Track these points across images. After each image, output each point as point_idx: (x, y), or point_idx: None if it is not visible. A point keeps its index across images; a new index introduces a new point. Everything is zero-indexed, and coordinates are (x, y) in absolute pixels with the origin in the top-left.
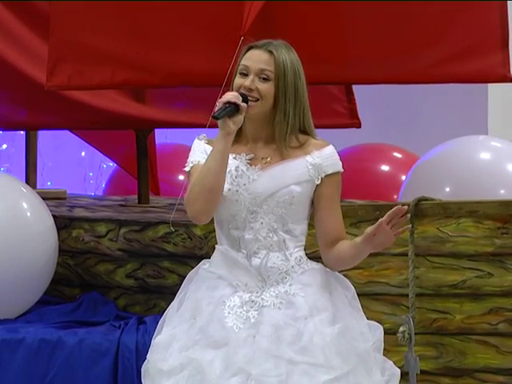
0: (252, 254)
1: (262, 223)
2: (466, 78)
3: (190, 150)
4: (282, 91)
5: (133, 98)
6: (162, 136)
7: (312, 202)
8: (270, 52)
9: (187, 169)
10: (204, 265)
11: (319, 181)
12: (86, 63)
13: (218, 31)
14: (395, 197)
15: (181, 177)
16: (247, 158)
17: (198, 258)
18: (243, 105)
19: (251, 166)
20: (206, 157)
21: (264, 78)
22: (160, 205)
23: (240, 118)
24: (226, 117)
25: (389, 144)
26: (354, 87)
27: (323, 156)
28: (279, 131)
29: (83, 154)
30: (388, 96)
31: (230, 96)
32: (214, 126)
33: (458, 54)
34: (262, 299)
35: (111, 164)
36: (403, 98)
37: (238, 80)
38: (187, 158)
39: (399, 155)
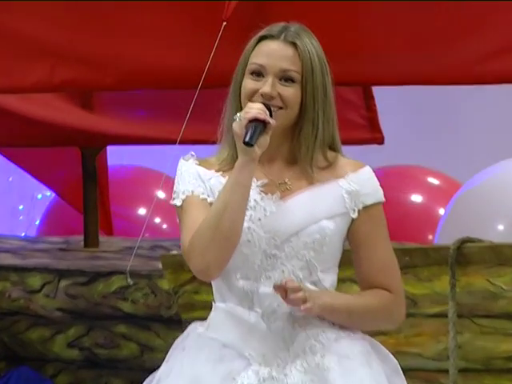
0: (270, 314)
1: (283, 271)
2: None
3: (157, 175)
4: (310, 95)
5: (78, 104)
6: (116, 156)
7: (343, 243)
8: (293, 44)
9: (177, 202)
10: (197, 329)
11: (355, 214)
12: (16, 58)
13: (193, 16)
14: (430, 237)
15: (141, 211)
16: (261, 183)
17: (165, 321)
18: (273, 122)
19: (267, 194)
20: (202, 184)
21: (287, 80)
22: (114, 249)
23: (266, 139)
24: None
25: (421, 166)
26: (375, 91)
27: (361, 181)
28: (306, 147)
29: (11, 179)
30: (418, 102)
31: (257, 111)
32: (187, 141)
33: (503, 48)
34: (286, 375)
35: (48, 193)
36: (439, 105)
37: (250, 83)
38: (151, 185)
39: (436, 181)
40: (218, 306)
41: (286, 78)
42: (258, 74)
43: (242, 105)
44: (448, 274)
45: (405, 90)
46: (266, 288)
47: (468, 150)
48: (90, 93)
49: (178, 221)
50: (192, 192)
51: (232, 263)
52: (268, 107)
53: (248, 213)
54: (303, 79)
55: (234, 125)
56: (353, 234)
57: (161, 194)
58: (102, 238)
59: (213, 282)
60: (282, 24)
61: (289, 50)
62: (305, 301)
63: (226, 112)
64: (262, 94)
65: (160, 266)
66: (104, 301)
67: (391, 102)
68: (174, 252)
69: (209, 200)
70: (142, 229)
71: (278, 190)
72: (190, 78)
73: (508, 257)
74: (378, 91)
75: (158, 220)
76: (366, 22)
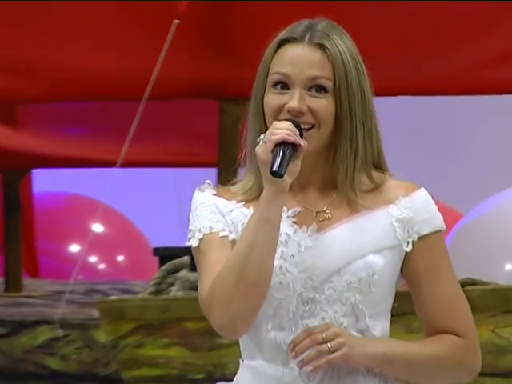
0: (309, 372)
1: (323, 319)
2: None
3: (94, 204)
4: (345, 106)
5: None
6: (44, 181)
7: (397, 283)
8: (322, 46)
9: (193, 243)
10: None
11: (409, 246)
12: None
13: (137, 14)
14: None
15: (74, 247)
16: (293, 213)
17: (102, 381)
18: (305, 144)
19: (301, 226)
20: (221, 218)
21: (318, 90)
22: (40, 293)
23: (297, 165)
24: None
25: None
26: None
27: (414, 206)
28: (344, 170)
29: None
30: (415, 119)
31: (285, 131)
32: (131, 164)
33: (508, 53)
34: None
35: None
36: (438, 129)
37: (274, 98)
38: (86, 216)
39: None
40: (246, 365)
41: (315, 88)
42: (283, 85)
43: (267, 124)
44: None
45: (402, 110)
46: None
47: (470, 176)
48: (14, 105)
49: (196, 265)
50: (210, 229)
51: (262, 311)
52: (298, 126)
53: (279, 249)
54: (336, 87)
55: (258, 149)
56: (409, 271)
57: (97, 228)
58: (26, 281)
59: (240, 337)
60: (306, 22)
61: (316, 54)
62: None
63: (249, 134)
64: (288, 110)
65: (96, 314)
66: (28, 356)
67: (384, 123)
68: (113, 297)
69: (231, 237)
70: (75, 269)
71: (315, 220)
72: (134, 88)
73: None
74: None
75: (93, 259)
76: (348, 24)
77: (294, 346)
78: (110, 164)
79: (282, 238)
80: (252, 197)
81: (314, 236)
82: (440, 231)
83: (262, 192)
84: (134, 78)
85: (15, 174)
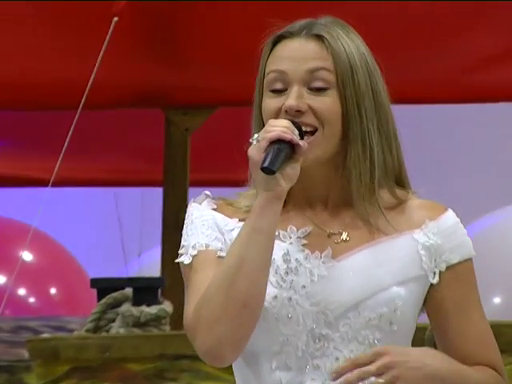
0: None
1: (337, 359)
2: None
3: (22, 229)
4: (352, 105)
5: None
6: None
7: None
8: (319, 37)
9: (185, 259)
10: None
11: (436, 278)
12: None
13: (69, 11)
14: None
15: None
16: (303, 233)
17: None
18: (304, 144)
19: (313, 251)
20: (220, 236)
21: (319, 88)
22: None
23: (296, 169)
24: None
25: None
26: None
27: (443, 231)
28: (358, 176)
29: None
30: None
31: (281, 128)
32: (63, 183)
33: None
34: None
35: None
36: (414, 138)
37: (270, 102)
38: (13, 242)
39: None
40: None
41: (316, 82)
42: (279, 87)
43: None
44: None
45: None
46: (314, 382)
47: (453, 196)
48: None
49: (185, 284)
50: (206, 246)
51: (265, 347)
52: (298, 127)
53: (288, 278)
54: (339, 82)
55: (251, 150)
56: (434, 304)
57: (27, 256)
58: None
59: (237, 374)
60: (308, 20)
61: (313, 45)
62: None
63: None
64: (286, 110)
65: (26, 354)
66: None
67: None
68: (45, 335)
69: None
70: (1, 304)
71: (329, 244)
72: (69, 95)
73: (509, 340)
74: None
75: (22, 291)
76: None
77: (337, 376)
78: (41, 183)
79: (292, 264)
80: None
81: (329, 263)
82: (470, 259)
83: None
84: (67, 83)
85: None
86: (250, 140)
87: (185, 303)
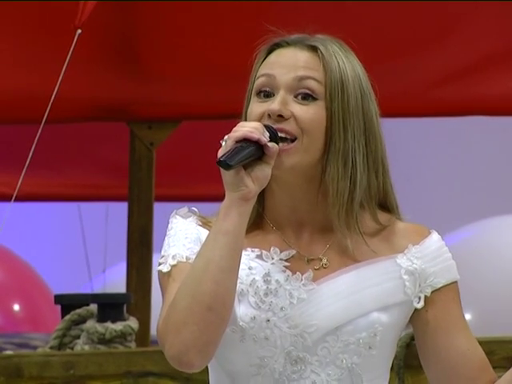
0: None
1: (314, 382)
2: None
3: None
4: (337, 119)
5: None
6: None
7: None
8: (314, 48)
9: (164, 268)
10: None
11: (421, 303)
12: None
13: (30, 22)
14: None
15: None
16: (286, 255)
17: None
18: (272, 145)
19: (294, 273)
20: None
21: (305, 96)
22: None
23: (265, 171)
24: (241, 166)
25: None
26: None
27: (427, 255)
28: (337, 201)
29: None
30: None
31: (248, 129)
32: (25, 198)
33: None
34: None
35: None
36: (393, 152)
37: (256, 106)
38: None
39: None
40: None
41: (303, 92)
42: (267, 90)
43: None
44: (394, 382)
45: None
46: None
47: (422, 211)
48: None
49: (162, 294)
50: (186, 259)
51: (243, 368)
52: (272, 131)
53: (267, 299)
54: (327, 94)
55: (220, 150)
56: (422, 324)
57: None
58: None
59: None
60: (303, 34)
61: (306, 54)
62: None
63: None
64: (269, 115)
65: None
66: None
67: None
68: (8, 352)
69: None
70: None
71: (310, 267)
72: (30, 110)
73: None
74: None
75: None
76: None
77: None
78: (4, 198)
79: (273, 285)
80: None
81: (310, 286)
82: (455, 282)
83: (250, 226)
84: (30, 97)
85: None
86: (221, 141)
87: (160, 312)
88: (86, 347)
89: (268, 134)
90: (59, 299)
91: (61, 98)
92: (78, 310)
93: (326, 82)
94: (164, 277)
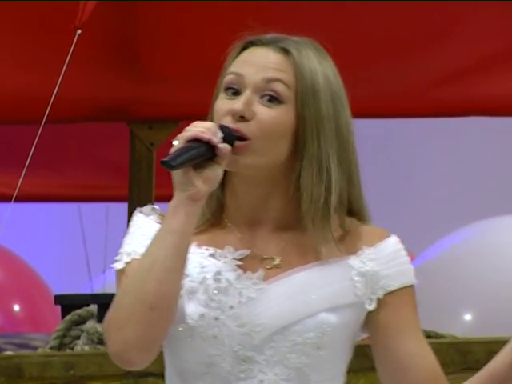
0: None
1: (261, 382)
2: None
3: None
4: (311, 127)
5: None
6: None
7: (355, 339)
8: (286, 51)
9: (119, 265)
10: None
11: (373, 305)
12: None
13: (30, 23)
14: None
15: None
16: (240, 255)
17: None
18: (223, 146)
19: (245, 272)
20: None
21: (271, 99)
22: None
23: (216, 171)
24: (189, 166)
25: None
26: None
27: (382, 257)
28: (311, 206)
29: None
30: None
31: (200, 129)
32: (25, 198)
33: (467, 68)
34: None
35: None
36: (376, 151)
37: (222, 103)
38: None
39: None
40: None
41: (269, 94)
42: (235, 88)
43: None
44: None
45: None
46: None
47: (422, 211)
48: None
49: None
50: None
51: (193, 366)
52: (229, 132)
53: (216, 297)
54: (298, 99)
55: (171, 150)
56: (374, 327)
57: None
58: None
59: None
60: (279, 35)
61: (277, 56)
62: None
63: None
64: (232, 114)
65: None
66: None
67: None
68: (8, 353)
69: None
70: None
71: (262, 267)
72: (29, 110)
73: (478, 358)
74: None
75: None
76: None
77: None
78: (4, 198)
79: (223, 284)
80: (196, 230)
81: (260, 285)
82: (410, 286)
83: (205, 226)
84: (30, 97)
85: None
86: (173, 141)
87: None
88: (86, 347)
89: (221, 134)
90: (59, 299)
91: (61, 98)
92: (79, 311)
93: (296, 87)
94: (118, 273)
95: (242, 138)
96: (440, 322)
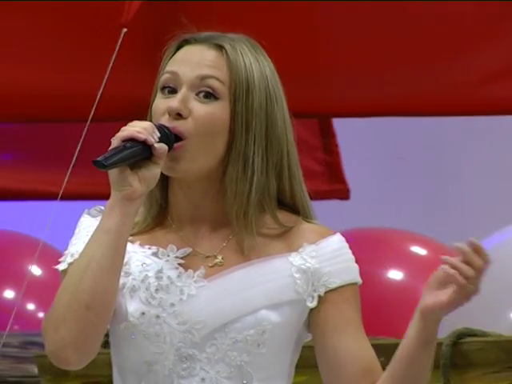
0: None
1: (203, 380)
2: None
3: (30, 242)
4: (240, 119)
5: None
6: None
7: (300, 339)
8: (220, 48)
9: (62, 266)
10: None
11: (314, 302)
12: None
13: (76, 21)
14: None
15: (8, 293)
16: (182, 253)
17: None
18: (159, 146)
19: (186, 270)
20: None
21: (207, 95)
22: None
23: (153, 171)
24: (125, 165)
25: (402, 230)
26: (337, 126)
27: (323, 254)
28: (233, 194)
29: None
30: (398, 144)
31: (136, 129)
32: (74, 196)
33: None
34: None
35: None
36: (425, 151)
37: (159, 102)
38: (22, 256)
39: (422, 251)
40: None
41: (205, 90)
42: (171, 87)
43: None
44: (439, 382)
45: (381, 127)
46: None
47: (466, 208)
48: None
49: None
50: None
51: (135, 365)
52: (166, 132)
53: (158, 295)
54: (231, 95)
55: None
56: (314, 324)
57: (36, 270)
58: None
59: None
60: (218, 32)
61: (211, 53)
62: None
63: None
64: (169, 112)
65: (35, 369)
66: None
67: (361, 144)
68: None
69: None
70: (10, 319)
71: (204, 265)
72: (75, 107)
73: None
74: (342, 128)
75: (30, 306)
76: (323, 28)
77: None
78: (50, 196)
79: (164, 282)
80: (137, 230)
81: (201, 283)
82: (353, 284)
83: (149, 225)
84: (76, 95)
85: None
86: (111, 140)
87: None
88: None
89: (159, 134)
90: None
91: (107, 96)
92: None
93: (230, 83)
94: (62, 274)
95: (180, 137)
96: (486, 321)
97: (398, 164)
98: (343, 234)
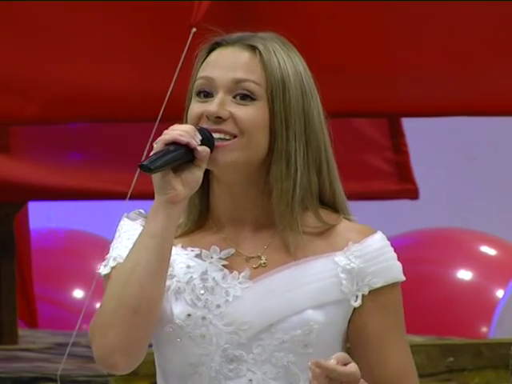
0: None
1: (250, 381)
2: None
3: (99, 242)
4: (280, 119)
5: None
6: (42, 216)
7: (344, 340)
8: (253, 48)
9: (105, 271)
10: None
11: (358, 301)
12: None
13: (147, 21)
14: (484, 329)
15: (77, 293)
16: (225, 254)
17: None
18: (202, 149)
19: (231, 271)
20: None
21: (244, 97)
22: (38, 346)
23: (196, 175)
24: (168, 169)
25: (471, 230)
26: (406, 125)
27: (366, 254)
28: (279, 193)
29: None
30: (468, 144)
31: (178, 132)
32: (142, 195)
33: None
34: None
35: None
36: (496, 149)
37: (195, 107)
38: (91, 256)
39: (492, 252)
40: None
41: (241, 92)
42: (207, 91)
43: None
44: (509, 382)
45: (450, 126)
46: None
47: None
48: (6, 128)
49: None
50: None
51: (180, 367)
52: (208, 135)
53: (203, 297)
54: (268, 95)
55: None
56: (355, 329)
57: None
58: (23, 331)
59: None
60: (248, 32)
61: (246, 55)
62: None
63: None
64: (207, 116)
65: (104, 369)
66: None
67: (430, 143)
68: None
69: None
70: (79, 318)
71: (248, 266)
72: (144, 107)
73: None
74: (411, 127)
75: (99, 306)
76: (392, 28)
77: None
78: (118, 196)
79: (209, 283)
80: (181, 233)
81: (246, 284)
82: (396, 284)
83: (189, 229)
84: (145, 95)
85: (8, 207)
86: (153, 144)
87: None
88: None
89: (200, 137)
90: None
91: (175, 96)
92: None
93: (266, 83)
94: (105, 278)
95: (222, 139)
96: None
97: (469, 164)
98: (416, 235)
